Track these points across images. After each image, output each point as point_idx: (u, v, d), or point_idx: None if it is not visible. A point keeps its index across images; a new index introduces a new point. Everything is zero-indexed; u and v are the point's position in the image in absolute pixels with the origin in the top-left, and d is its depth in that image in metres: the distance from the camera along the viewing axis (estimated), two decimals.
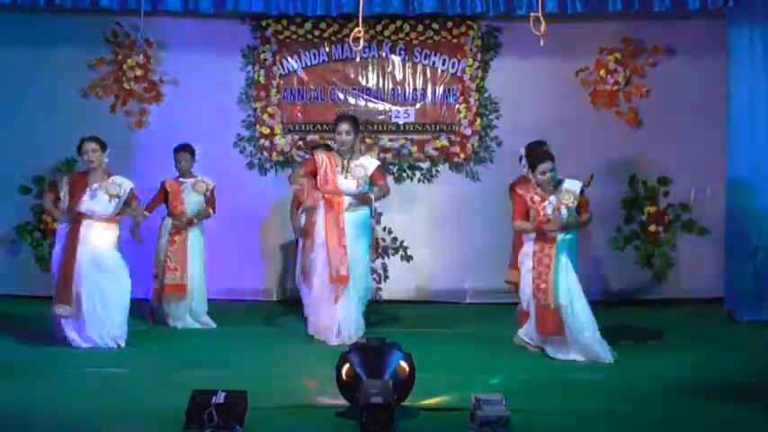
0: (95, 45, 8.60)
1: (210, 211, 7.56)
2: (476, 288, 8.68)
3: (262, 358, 6.25)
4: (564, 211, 6.24)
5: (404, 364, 4.95)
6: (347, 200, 6.80)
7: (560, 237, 6.23)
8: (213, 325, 7.41)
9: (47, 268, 8.61)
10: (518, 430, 4.50)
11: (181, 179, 7.54)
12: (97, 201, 6.56)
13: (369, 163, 6.95)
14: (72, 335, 6.51)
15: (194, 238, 7.47)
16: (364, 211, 6.95)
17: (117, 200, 6.59)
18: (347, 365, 4.92)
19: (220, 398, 4.47)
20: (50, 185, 6.71)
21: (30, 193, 8.61)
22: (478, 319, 7.89)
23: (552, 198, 6.28)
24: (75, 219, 6.54)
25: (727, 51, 7.81)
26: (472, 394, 4.66)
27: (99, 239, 6.57)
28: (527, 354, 6.44)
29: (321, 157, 6.94)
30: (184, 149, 7.52)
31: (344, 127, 6.89)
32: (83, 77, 8.60)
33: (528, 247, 6.33)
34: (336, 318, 6.73)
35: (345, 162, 6.88)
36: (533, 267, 6.25)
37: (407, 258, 8.76)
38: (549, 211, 6.24)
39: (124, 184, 6.67)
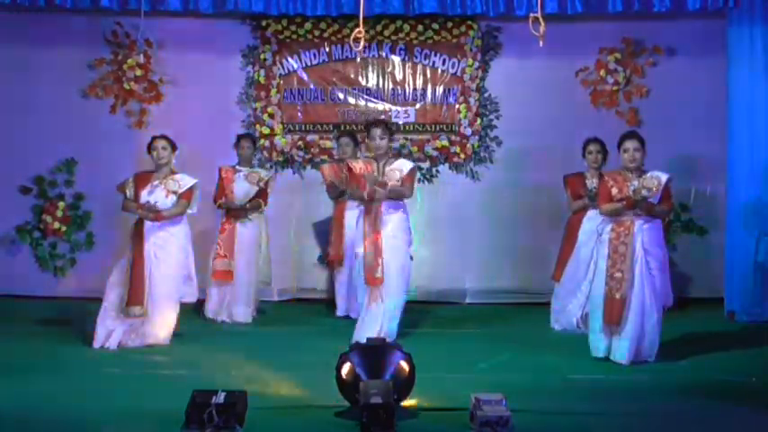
0: (95, 45, 8.61)
1: (262, 202, 7.72)
2: (476, 288, 8.69)
3: (262, 358, 6.24)
4: (645, 192, 6.08)
5: (404, 364, 4.95)
6: (385, 205, 6.61)
7: (638, 225, 6.08)
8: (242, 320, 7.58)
9: (47, 268, 8.65)
10: (518, 430, 4.50)
11: (237, 167, 7.74)
12: (154, 196, 6.52)
13: (404, 165, 6.76)
14: (113, 333, 6.43)
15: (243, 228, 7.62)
16: (401, 215, 6.71)
17: (174, 195, 6.55)
18: (347, 365, 4.92)
19: (220, 398, 4.47)
20: (119, 187, 6.67)
21: (30, 193, 8.63)
22: (478, 319, 7.89)
23: (635, 181, 6.14)
24: (139, 219, 6.51)
25: (727, 51, 7.81)
26: (472, 394, 4.67)
27: (161, 237, 6.51)
28: (527, 354, 6.44)
29: (357, 166, 6.77)
30: (247, 138, 7.90)
31: (378, 132, 6.69)
32: (83, 77, 8.61)
33: (605, 234, 6.19)
34: (366, 321, 6.56)
35: (381, 167, 6.70)
36: (608, 255, 6.12)
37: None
38: (631, 190, 6.09)
39: (183, 181, 6.61)
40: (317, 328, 7.45)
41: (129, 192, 6.59)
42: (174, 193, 6.56)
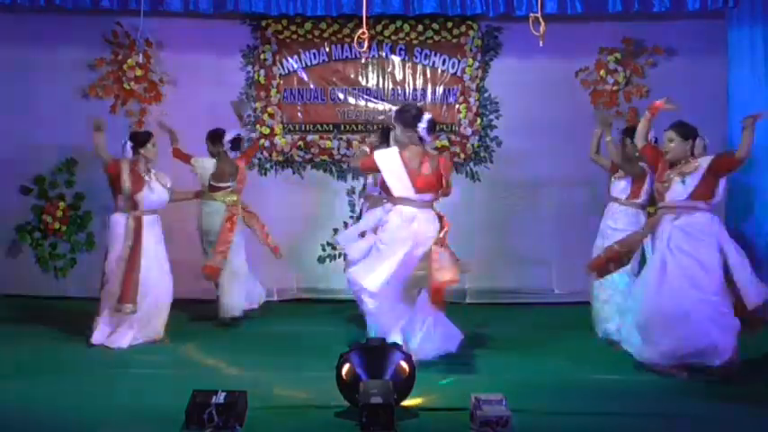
0: (95, 45, 8.60)
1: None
2: (476, 288, 8.68)
3: (262, 358, 6.24)
4: None
5: (404, 364, 4.96)
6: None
7: None
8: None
9: (47, 268, 8.65)
10: (518, 430, 4.50)
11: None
12: (156, 193, 6.67)
13: None
14: (109, 333, 6.51)
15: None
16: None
17: (167, 188, 6.77)
18: (347, 365, 4.92)
19: (220, 398, 4.48)
20: (112, 163, 6.65)
21: (30, 193, 8.62)
22: (478, 319, 7.88)
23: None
24: (137, 216, 6.57)
25: (728, 51, 7.81)
26: (472, 394, 4.67)
27: (157, 233, 6.70)
28: (526, 354, 6.44)
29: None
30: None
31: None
32: (83, 77, 8.61)
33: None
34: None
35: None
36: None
37: None
38: None
39: (164, 174, 6.88)
40: (318, 328, 7.45)
41: (125, 175, 6.55)
42: (166, 185, 6.76)
